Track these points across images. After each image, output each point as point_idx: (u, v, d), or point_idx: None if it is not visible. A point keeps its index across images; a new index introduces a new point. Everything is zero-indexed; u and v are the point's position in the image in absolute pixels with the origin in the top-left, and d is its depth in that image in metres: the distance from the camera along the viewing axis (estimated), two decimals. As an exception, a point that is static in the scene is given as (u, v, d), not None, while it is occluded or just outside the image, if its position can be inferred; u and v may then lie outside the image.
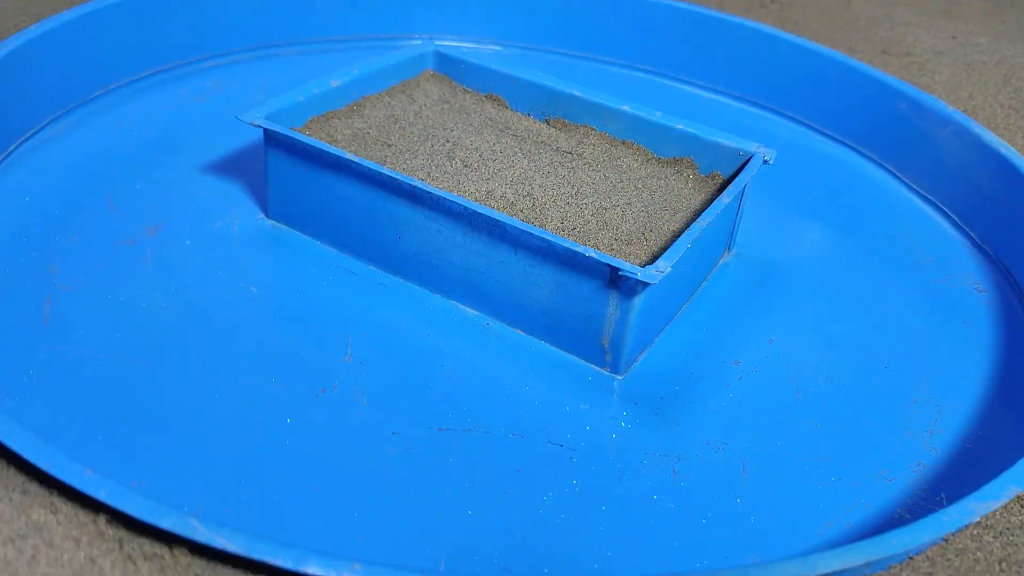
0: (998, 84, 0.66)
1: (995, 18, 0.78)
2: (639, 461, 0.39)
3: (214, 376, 0.41)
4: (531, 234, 0.42)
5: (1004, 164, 0.54)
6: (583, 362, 0.44)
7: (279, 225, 0.51)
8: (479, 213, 0.43)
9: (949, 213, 0.58)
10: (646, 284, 0.41)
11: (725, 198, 0.46)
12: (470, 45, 0.73)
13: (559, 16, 0.73)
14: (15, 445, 0.30)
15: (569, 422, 0.41)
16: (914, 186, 0.61)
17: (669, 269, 0.40)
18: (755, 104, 0.69)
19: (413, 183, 0.44)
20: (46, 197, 0.50)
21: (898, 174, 0.62)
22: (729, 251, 0.53)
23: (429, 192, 0.44)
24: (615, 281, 0.41)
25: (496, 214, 0.43)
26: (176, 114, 0.60)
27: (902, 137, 0.61)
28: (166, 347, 0.42)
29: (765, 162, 0.50)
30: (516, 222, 0.42)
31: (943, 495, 0.39)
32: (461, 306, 0.46)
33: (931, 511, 0.38)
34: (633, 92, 0.71)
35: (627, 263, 0.40)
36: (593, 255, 0.41)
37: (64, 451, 0.32)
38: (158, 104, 0.60)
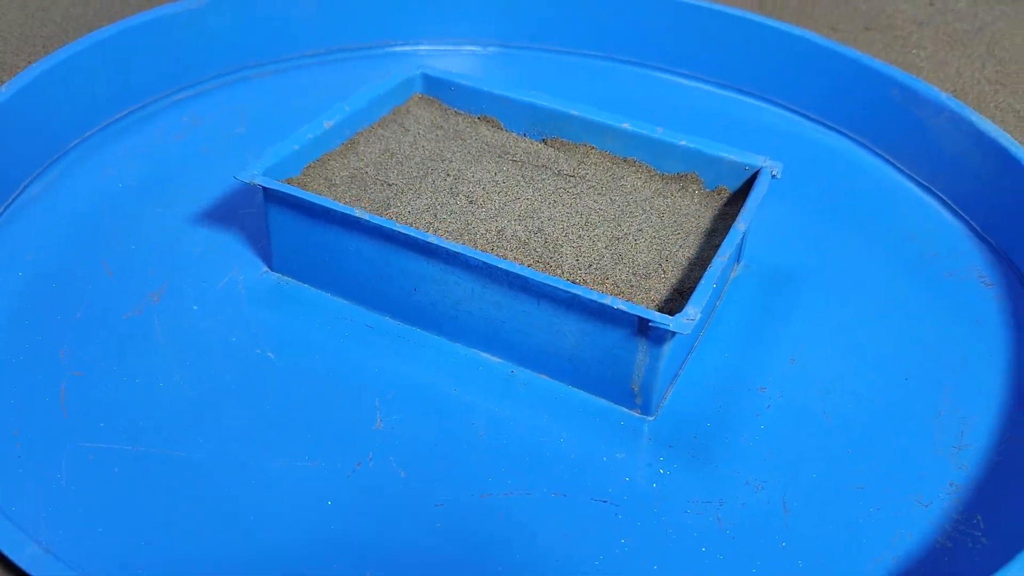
0: (983, 56, 0.66)
1: (970, -22, 0.78)
2: (683, 511, 0.39)
3: (248, 460, 0.40)
4: (554, 286, 0.41)
5: (1002, 153, 0.54)
6: (613, 405, 0.44)
7: (285, 278, 0.50)
8: (498, 267, 0.42)
9: (949, 202, 0.58)
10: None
11: (741, 225, 0.46)
12: (448, 47, 0.71)
13: (537, 13, 0.71)
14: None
15: (608, 474, 0.41)
16: (911, 174, 0.61)
17: (699, 315, 0.40)
18: (743, 92, 0.69)
19: (427, 239, 0.43)
20: (40, 269, 0.48)
21: (894, 162, 0.62)
22: (739, 263, 0.53)
23: (445, 248, 0.43)
24: (644, 330, 0.41)
25: (516, 267, 0.42)
26: (157, 157, 0.58)
27: (896, 124, 0.61)
28: (193, 433, 0.41)
29: (773, 176, 0.50)
30: (537, 274, 0.42)
31: (979, 517, 0.40)
32: (484, 354, 0.46)
33: (971, 536, 0.39)
34: (617, 84, 0.69)
35: (657, 314, 0.40)
36: (622, 307, 0.40)
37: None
38: (136, 147, 0.58)
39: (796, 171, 0.61)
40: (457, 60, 0.71)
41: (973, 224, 0.57)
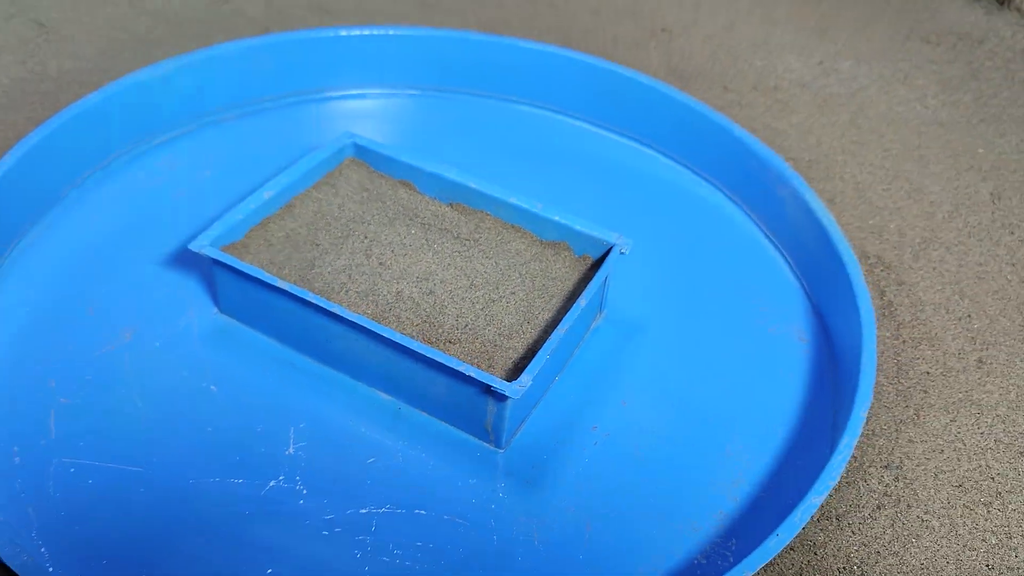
0: (845, 125, 0.76)
1: (862, 34, 0.87)
2: (510, 528, 0.53)
3: (189, 475, 0.53)
4: (425, 355, 0.54)
5: (821, 229, 0.66)
6: (474, 439, 0.57)
7: (230, 320, 0.62)
8: (383, 335, 0.55)
9: (791, 262, 0.70)
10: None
11: (583, 300, 0.58)
12: (393, 91, 0.83)
13: (470, 64, 0.82)
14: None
15: (461, 496, 0.54)
16: (768, 233, 0.72)
17: (530, 382, 0.53)
18: (641, 143, 0.80)
19: (334, 309, 0.56)
20: (38, 311, 0.61)
21: (756, 220, 0.73)
22: (601, 313, 0.65)
23: (347, 318, 0.55)
24: (489, 390, 0.53)
25: (399, 337, 0.54)
26: (137, 201, 0.70)
27: (755, 187, 0.72)
28: (148, 452, 0.54)
29: (621, 253, 0.62)
30: (415, 344, 0.54)
31: (734, 540, 0.53)
32: (379, 393, 0.59)
33: (722, 555, 0.52)
34: (537, 129, 0.81)
35: (497, 380, 0.52)
36: (472, 374, 0.53)
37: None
38: (120, 193, 0.70)
39: (673, 220, 0.73)
40: (399, 102, 0.82)
41: (804, 284, 0.68)
